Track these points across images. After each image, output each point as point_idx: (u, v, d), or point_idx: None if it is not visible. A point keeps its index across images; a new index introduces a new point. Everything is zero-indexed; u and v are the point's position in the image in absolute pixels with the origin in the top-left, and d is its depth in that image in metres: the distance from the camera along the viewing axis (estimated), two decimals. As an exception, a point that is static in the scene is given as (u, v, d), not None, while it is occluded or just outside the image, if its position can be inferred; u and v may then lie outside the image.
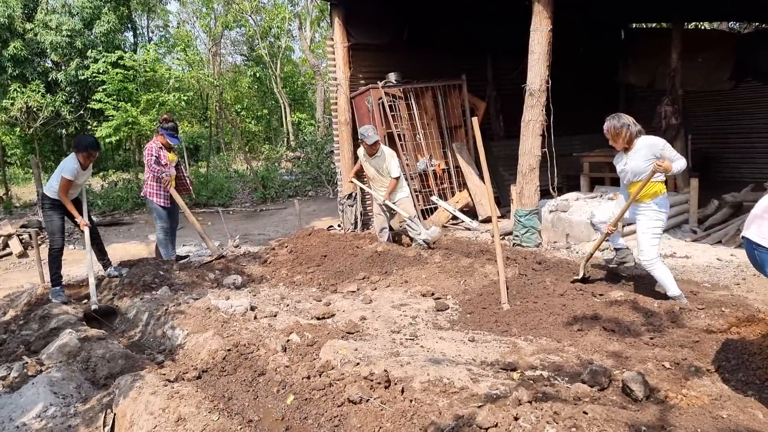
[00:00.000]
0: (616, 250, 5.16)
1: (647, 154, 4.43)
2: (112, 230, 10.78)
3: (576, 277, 5.17)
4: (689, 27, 13.57)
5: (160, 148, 6.88)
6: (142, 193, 7.15)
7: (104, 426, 2.97)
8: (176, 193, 6.97)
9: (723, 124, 11.38)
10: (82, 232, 6.03)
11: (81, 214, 6.00)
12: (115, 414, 3.05)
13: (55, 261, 5.84)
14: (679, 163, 4.41)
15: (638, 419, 2.62)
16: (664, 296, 4.61)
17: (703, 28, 16.01)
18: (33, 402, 3.32)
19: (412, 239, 7.18)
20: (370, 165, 7.02)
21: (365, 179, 7.69)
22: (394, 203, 6.99)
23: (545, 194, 7.34)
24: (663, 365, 3.34)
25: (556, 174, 6.96)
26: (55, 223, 5.88)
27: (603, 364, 3.36)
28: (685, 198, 7.48)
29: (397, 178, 6.91)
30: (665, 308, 4.23)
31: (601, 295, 4.71)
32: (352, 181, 7.69)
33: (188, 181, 7.38)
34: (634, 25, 13.30)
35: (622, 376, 3.09)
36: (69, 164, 5.85)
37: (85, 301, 5.83)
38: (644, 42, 11.60)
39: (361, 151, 7.11)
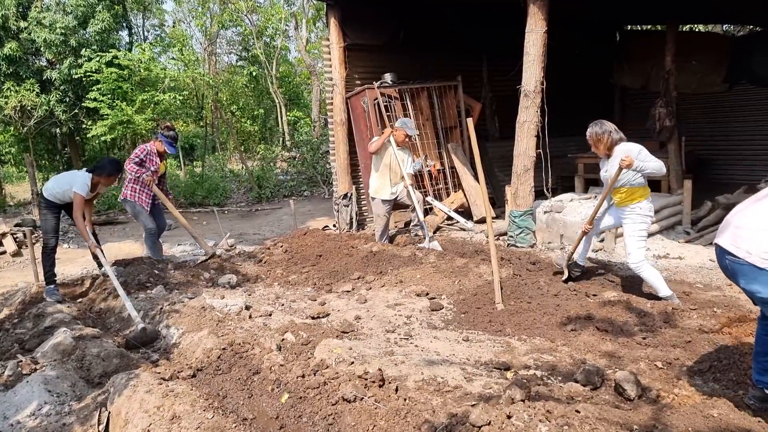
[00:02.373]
0: (574, 260, 5.30)
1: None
2: (106, 229, 10.76)
3: (563, 278, 5.30)
4: (684, 29, 13.64)
5: (154, 153, 6.74)
6: (121, 197, 6.85)
7: (99, 424, 2.98)
8: (161, 192, 6.82)
9: (716, 127, 11.43)
10: (94, 254, 5.89)
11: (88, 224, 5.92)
12: (109, 412, 3.06)
13: (48, 259, 5.81)
14: (652, 164, 4.48)
15: (630, 418, 2.64)
16: (657, 297, 4.64)
17: (697, 30, 16.09)
18: (27, 400, 3.31)
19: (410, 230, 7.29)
20: (392, 154, 7.02)
21: (361, 183, 7.69)
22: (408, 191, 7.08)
23: (540, 195, 7.36)
24: (655, 365, 3.37)
25: (550, 175, 6.99)
26: (49, 223, 5.84)
27: (596, 363, 3.39)
28: (678, 199, 7.52)
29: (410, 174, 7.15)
30: (658, 309, 4.26)
31: (594, 295, 4.74)
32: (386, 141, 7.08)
33: (170, 197, 7.17)
34: (629, 27, 13.37)
35: (614, 376, 3.11)
36: (82, 181, 5.68)
37: (80, 300, 5.82)
38: (638, 44, 11.64)
39: (391, 138, 7.02)
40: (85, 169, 5.92)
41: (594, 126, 4.77)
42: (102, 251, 5.81)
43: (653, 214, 4.78)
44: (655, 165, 4.49)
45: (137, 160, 6.65)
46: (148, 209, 6.77)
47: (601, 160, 4.95)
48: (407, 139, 7.02)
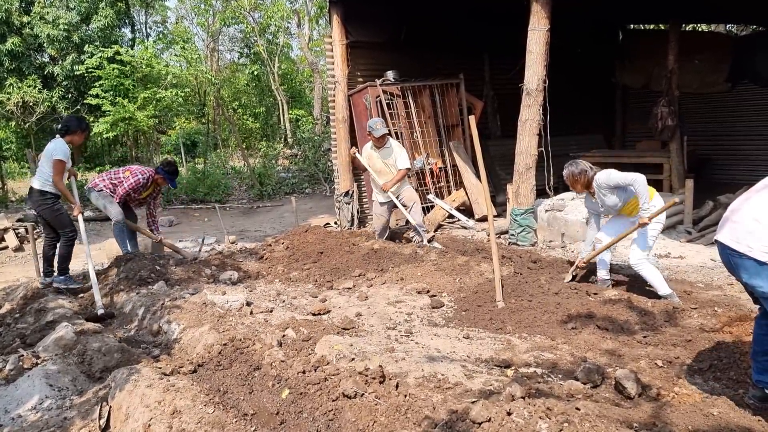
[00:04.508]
0: (600, 280, 5.26)
1: (609, 190, 4.75)
2: (107, 225, 10.75)
3: (567, 279, 5.32)
4: (686, 29, 13.62)
5: (144, 183, 6.68)
6: (89, 185, 6.68)
7: (100, 418, 2.98)
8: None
9: (719, 126, 11.42)
10: (75, 218, 5.89)
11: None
12: (110, 407, 3.07)
13: (71, 254, 5.87)
14: (640, 188, 4.52)
15: (630, 416, 2.64)
16: (659, 296, 4.64)
17: (700, 30, 16.06)
18: (29, 394, 3.33)
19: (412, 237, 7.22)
20: (378, 158, 6.97)
21: (363, 184, 7.67)
22: (397, 197, 6.98)
23: (541, 193, 7.36)
24: (656, 363, 3.37)
25: (552, 173, 6.99)
26: (67, 215, 5.86)
27: (596, 362, 3.39)
28: (679, 199, 7.51)
29: (408, 170, 6.94)
30: (659, 307, 4.26)
31: (595, 294, 4.74)
32: (355, 156, 7.50)
33: (156, 222, 7.16)
34: (631, 26, 13.36)
35: (615, 374, 3.11)
36: (60, 146, 5.72)
37: (82, 295, 5.83)
38: (641, 43, 11.64)
39: (368, 146, 7.06)
40: (53, 138, 5.90)
41: (570, 166, 4.90)
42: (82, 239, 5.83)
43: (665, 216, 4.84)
44: (640, 188, 4.52)
45: (132, 188, 6.60)
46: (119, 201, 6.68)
47: (586, 198, 5.09)
48: (385, 138, 6.86)
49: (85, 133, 6.08)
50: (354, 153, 7.39)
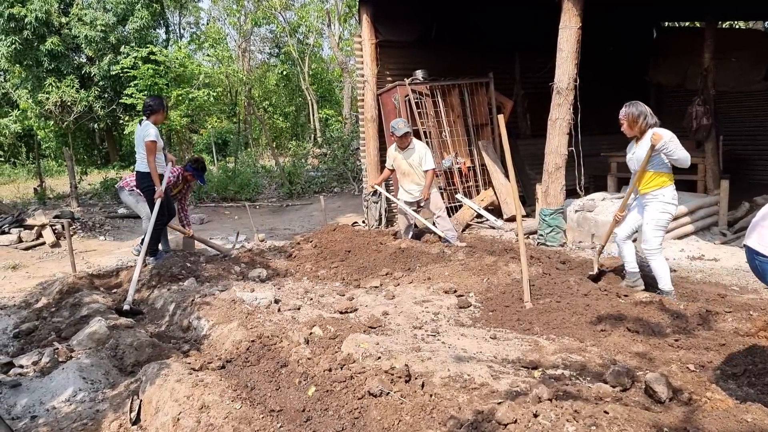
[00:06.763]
0: (628, 273, 5.14)
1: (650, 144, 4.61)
2: (138, 222, 10.97)
3: (591, 273, 5.27)
4: (722, 26, 13.30)
5: (174, 181, 6.89)
6: (121, 184, 6.82)
7: (131, 411, 3.05)
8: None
9: (755, 126, 11.12)
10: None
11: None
12: (141, 400, 3.13)
13: (158, 237, 6.27)
14: (680, 152, 4.48)
15: (660, 420, 2.59)
16: (692, 298, 4.55)
17: (737, 27, 15.67)
18: (63, 387, 3.42)
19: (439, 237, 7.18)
20: (402, 159, 6.96)
21: (391, 183, 7.72)
22: (422, 203, 6.98)
23: (571, 194, 7.26)
24: (688, 367, 3.30)
25: (582, 173, 6.89)
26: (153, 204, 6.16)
27: (626, 364, 3.33)
28: (714, 200, 7.35)
29: (434, 170, 6.88)
30: (692, 310, 4.17)
31: (626, 295, 4.66)
32: (374, 187, 7.85)
33: (187, 218, 7.41)
34: (666, 24, 13.09)
35: (645, 377, 3.05)
36: (149, 128, 6.04)
37: (116, 290, 5.96)
38: (675, 41, 11.39)
39: (392, 148, 7.08)
40: (140, 122, 6.23)
41: (630, 106, 4.77)
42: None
43: (677, 203, 4.75)
44: (682, 154, 4.48)
45: (168, 186, 6.74)
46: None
47: (629, 145, 4.94)
48: (406, 138, 6.82)
49: (166, 111, 6.45)
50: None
